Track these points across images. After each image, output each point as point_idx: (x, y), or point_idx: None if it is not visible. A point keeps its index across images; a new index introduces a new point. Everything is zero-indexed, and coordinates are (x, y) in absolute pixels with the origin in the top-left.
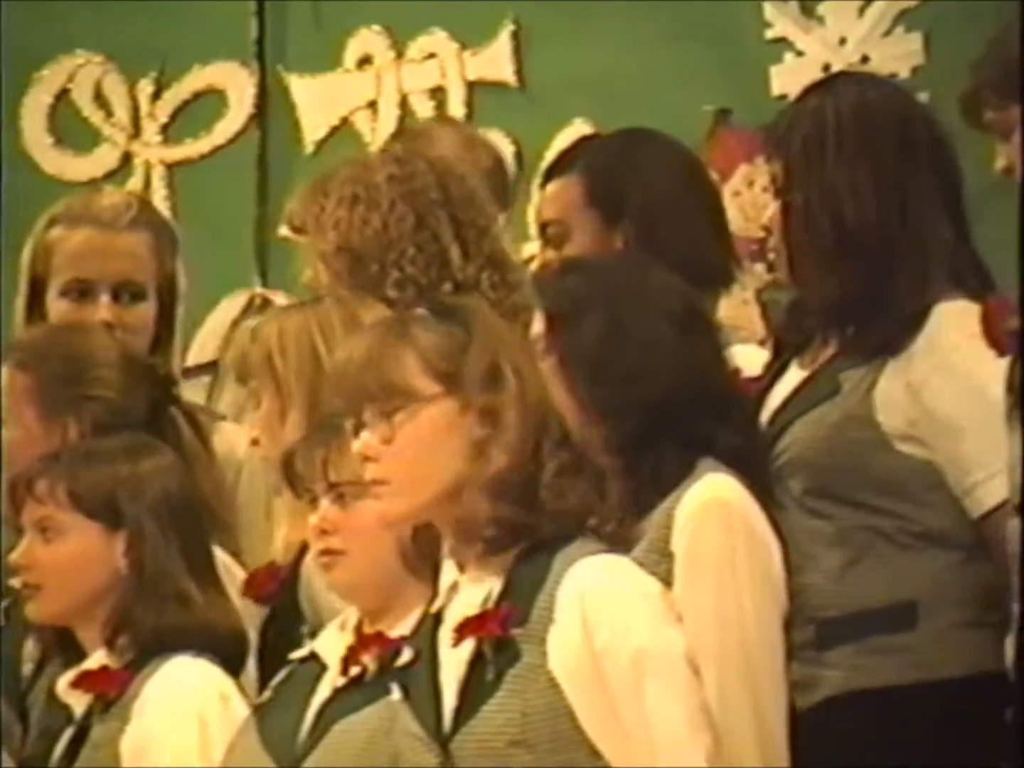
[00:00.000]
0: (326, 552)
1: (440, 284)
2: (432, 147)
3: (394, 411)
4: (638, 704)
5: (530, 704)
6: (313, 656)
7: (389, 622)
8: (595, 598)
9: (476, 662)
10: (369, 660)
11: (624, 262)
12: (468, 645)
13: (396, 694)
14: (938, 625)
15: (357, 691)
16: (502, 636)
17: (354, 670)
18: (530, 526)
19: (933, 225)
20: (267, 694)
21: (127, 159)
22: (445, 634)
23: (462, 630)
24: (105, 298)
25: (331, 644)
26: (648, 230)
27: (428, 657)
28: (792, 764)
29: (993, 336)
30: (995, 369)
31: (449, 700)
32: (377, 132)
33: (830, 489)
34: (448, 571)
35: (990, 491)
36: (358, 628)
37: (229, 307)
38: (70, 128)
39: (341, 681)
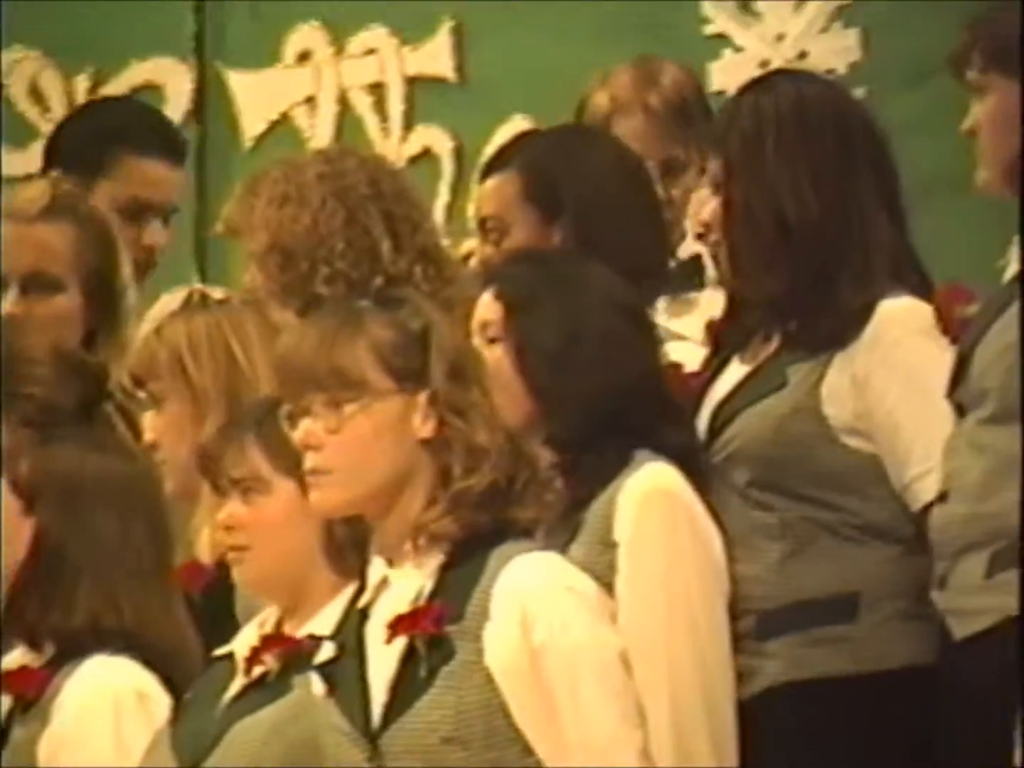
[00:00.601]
0: (233, 548)
1: (371, 278)
2: (607, 84)
3: (344, 402)
4: (573, 701)
5: (464, 701)
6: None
7: (302, 618)
8: (533, 596)
9: (408, 659)
10: (271, 660)
11: (567, 256)
12: (400, 642)
13: (318, 688)
14: (878, 617)
15: (260, 691)
16: (436, 633)
17: (257, 670)
18: (488, 531)
19: (874, 221)
20: (188, 693)
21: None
22: (373, 630)
23: (395, 627)
24: (13, 291)
25: (246, 642)
26: (585, 228)
27: (355, 653)
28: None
29: (946, 323)
30: (937, 365)
31: (379, 696)
32: (316, 128)
33: (775, 481)
34: (377, 566)
35: (926, 487)
36: (277, 626)
37: (168, 303)
38: (6, 123)
39: (245, 681)
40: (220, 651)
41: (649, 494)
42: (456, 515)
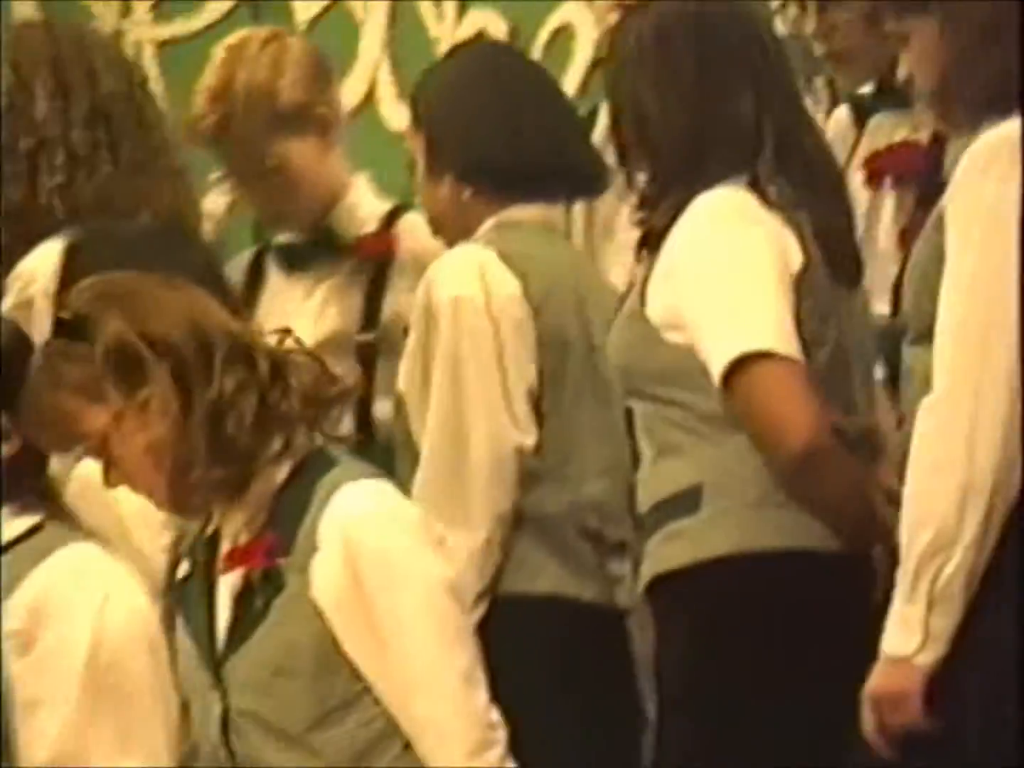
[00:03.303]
0: None
1: (18, 140)
2: None
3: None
4: (396, 628)
5: (292, 634)
6: None
7: None
8: (356, 526)
9: (246, 590)
10: None
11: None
12: (239, 572)
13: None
14: (719, 507)
15: None
16: (268, 566)
17: None
18: (237, 474)
19: (716, 118)
20: None
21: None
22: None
23: (231, 559)
24: None
25: None
26: (431, 131)
27: (203, 577)
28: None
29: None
30: (719, 252)
31: (223, 623)
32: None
33: (631, 387)
34: None
35: (713, 371)
36: None
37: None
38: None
39: None
40: None
41: None
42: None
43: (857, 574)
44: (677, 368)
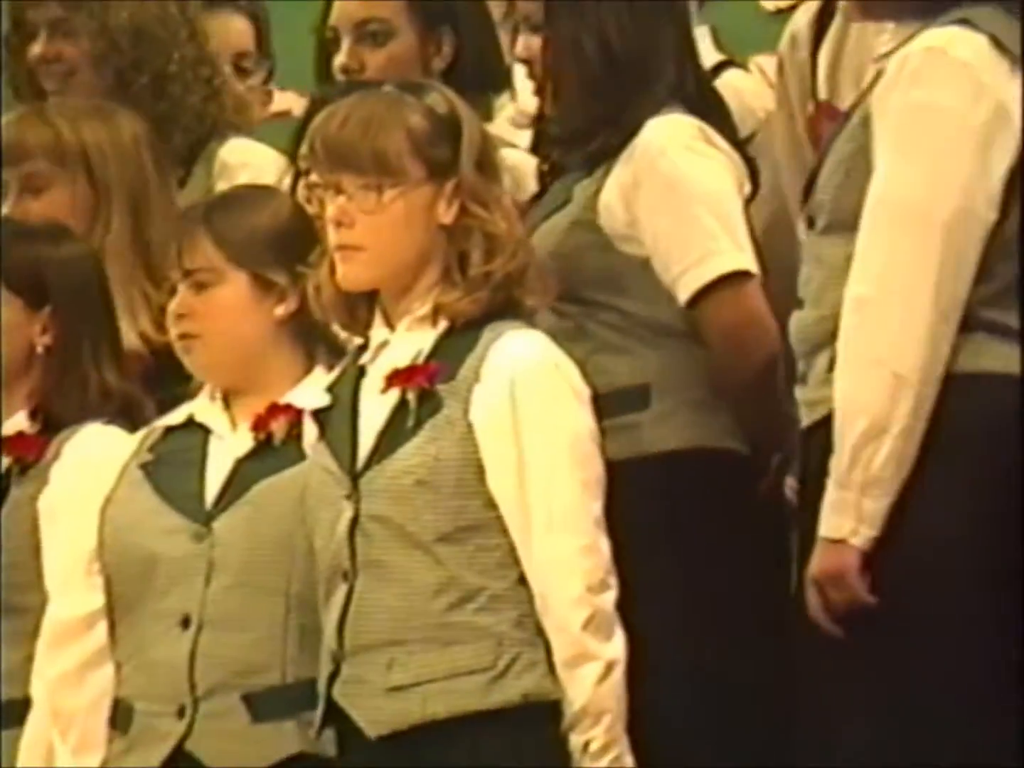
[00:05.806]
0: (184, 336)
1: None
2: None
3: (384, 186)
4: (545, 465)
5: (443, 450)
6: (191, 423)
7: (265, 394)
8: (524, 366)
9: (398, 410)
10: (277, 427)
11: None
12: (392, 396)
13: (311, 431)
14: (668, 405)
15: (270, 455)
16: (427, 388)
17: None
18: (495, 311)
19: (665, 43)
20: (148, 455)
21: None
22: (369, 384)
23: (392, 379)
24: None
25: (211, 412)
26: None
27: (348, 404)
28: None
29: (815, 139)
30: (697, 175)
31: (366, 442)
32: None
33: (564, 290)
34: (379, 329)
35: (685, 284)
36: (226, 399)
37: None
38: None
39: (245, 447)
40: (173, 419)
41: None
42: (474, 296)
43: (758, 473)
44: (627, 276)
